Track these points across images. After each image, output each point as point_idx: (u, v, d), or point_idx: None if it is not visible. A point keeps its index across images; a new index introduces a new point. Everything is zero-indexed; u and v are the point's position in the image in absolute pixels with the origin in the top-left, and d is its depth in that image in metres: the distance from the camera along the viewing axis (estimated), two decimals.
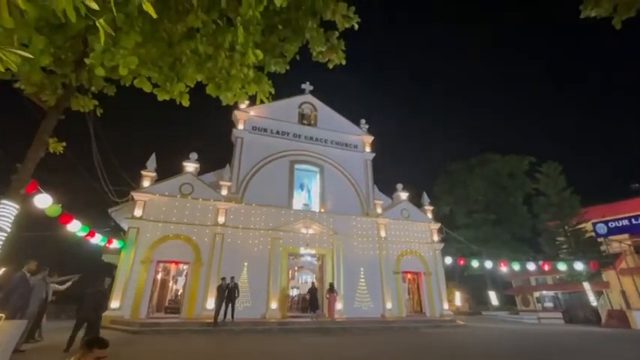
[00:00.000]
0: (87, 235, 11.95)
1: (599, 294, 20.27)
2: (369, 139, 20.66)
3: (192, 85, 4.12)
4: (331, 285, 15.07)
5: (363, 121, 21.23)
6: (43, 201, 8.07)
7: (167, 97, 4.08)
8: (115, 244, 14.11)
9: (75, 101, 5.62)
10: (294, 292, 20.75)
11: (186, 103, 4.10)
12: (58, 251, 24.72)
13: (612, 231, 19.41)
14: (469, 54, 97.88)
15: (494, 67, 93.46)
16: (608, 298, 19.98)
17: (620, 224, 19.25)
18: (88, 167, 11.66)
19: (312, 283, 16.86)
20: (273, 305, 14.57)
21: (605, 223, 19.57)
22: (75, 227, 10.69)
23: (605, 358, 4.32)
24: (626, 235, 20.97)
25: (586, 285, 20.23)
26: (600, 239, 20.22)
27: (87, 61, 3.44)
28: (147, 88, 3.95)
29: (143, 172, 14.91)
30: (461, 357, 8.17)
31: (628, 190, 26.52)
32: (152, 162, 15.27)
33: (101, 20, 2.14)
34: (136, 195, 14.20)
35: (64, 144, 5.76)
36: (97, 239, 12.91)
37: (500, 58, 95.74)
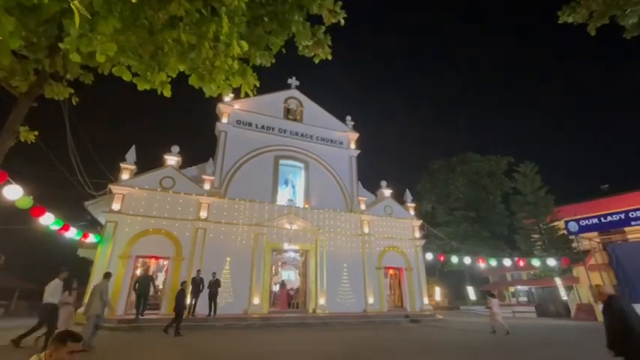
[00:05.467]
0: (61, 229, 11.48)
1: (569, 289, 21.25)
2: (355, 135, 20.76)
3: (174, 76, 4.00)
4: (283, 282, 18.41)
5: (348, 117, 21.29)
6: (13, 192, 7.70)
7: (148, 87, 3.94)
8: (92, 238, 13.62)
9: (49, 88, 5.35)
10: (277, 288, 20.70)
11: (167, 93, 3.97)
12: (30, 245, 23.71)
13: (583, 229, 20.32)
14: (455, 53, 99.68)
15: (479, 68, 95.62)
16: (577, 293, 20.98)
17: (591, 222, 20.17)
18: (64, 159, 11.19)
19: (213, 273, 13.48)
20: (256, 301, 14.51)
21: (577, 221, 20.47)
22: (48, 220, 10.24)
23: (574, 348, 4.67)
24: (595, 233, 22.04)
25: (558, 280, 21.15)
26: (572, 237, 21.16)
27: (61, 46, 3.27)
28: (126, 76, 3.80)
29: (122, 165, 14.44)
30: (439, 349, 8.41)
31: (599, 190, 27.92)
32: (131, 154, 14.80)
33: (76, 2, 2.04)
34: (114, 188, 13.75)
35: (36, 133, 5.49)
36: (72, 233, 12.42)
37: (484, 59, 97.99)
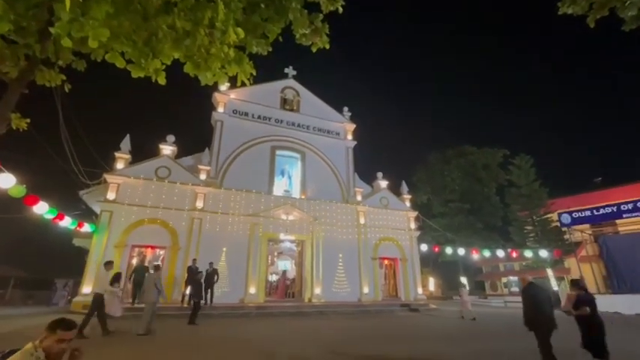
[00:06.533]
0: (55, 218, 11.42)
1: (560, 279, 21.67)
2: (351, 126, 20.69)
3: (169, 63, 3.92)
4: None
5: (345, 108, 21.17)
6: (6, 181, 7.63)
7: (142, 75, 3.86)
8: (87, 227, 13.58)
9: (40, 75, 5.23)
10: (273, 278, 20.88)
11: (162, 81, 3.91)
12: (25, 234, 23.59)
13: (575, 221, 20.61)
14: (454, 43, 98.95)
15: (476, 62, 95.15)
16: (568, 284, 21.41)
17: (583, 215, 20.44)
18: (57, 147, 11.04)
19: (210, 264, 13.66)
20: (252, 290, 14.63)
21: (570, 213, 20.73)
22: (42, 209, 10.17)
23: (562, 335, 4.99)
24: (587, 225, 22.37)
25: (549, 271, 21.55)
26: (564, 229, 21.48)
27: (52, 30, 3.18)
28: (120, 63, 3.72)
29: (117, 154, 14.30)
30: (432, 337, 8.57)
31: (592, 183, 28.24)
32: (126, 143, 14.65)
33: None
34: (108, 177, 13.64)
35: (28, 120, 5.39)
36: (67, 222, 12.37)
37: (481, 52, 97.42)
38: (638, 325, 11.09)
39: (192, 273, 12.26)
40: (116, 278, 8.48)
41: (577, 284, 5.70)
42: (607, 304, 15.25)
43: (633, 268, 17.91)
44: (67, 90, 5.64)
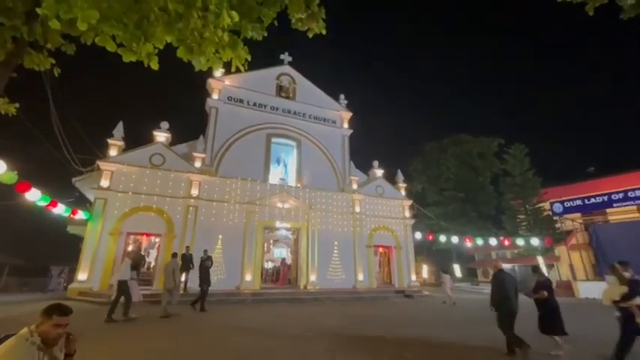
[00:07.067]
0: (48, 205, 11.33)
1: (550, 267, 22.15)
2: (348, 115, 20.55)
3: (162, 47, 3.81)
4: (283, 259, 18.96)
5: (342, 96, 20.98)
6: None
7: (133, 59, 3.76)
8: (81, 215, 13.50)
9: (28, 58, 5.07)
10: (269, 265, 21.08)
11: (154, 66, 3.81)
12: (19, 222, 23.40)
13: (567, 210, 20.93)
14: (447, 34, 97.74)
15: (474, 53, 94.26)
16: (558, 271, 21.91)
17: (575, 204, 20.76)
18: (49, 133, 10.86)
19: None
20: (248, 277, 14.77)
21: (562, 202, 21.03)
22: (34, 196, 10.07)
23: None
24: (578, 214, 22.76)
25: (540, 259, 21.98)
26: (556, 218, 21.82)
27: (39, 11, 3.07)
28: (110, 47, 3.61)
29: (109, 141, 14.11)
30: (425, 321, 8.78)
31: (584, 173, 28.58)
32: (119, 130, 14.44)
33: None
34: (102, 164, 13.50)
35: (17, 105, 5.27)
36: (60, 210, 12.28)
37: (476, 43, 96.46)
38: None
39: (187, 261, 12.30)
40: (135, 266, 8.91)
41: (537, 270, 6.24)
42: (595, 290, 15.65)
43: (621, 255, 18.31)
44: (56, 74, 5.50)
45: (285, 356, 5.48)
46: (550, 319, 5.58)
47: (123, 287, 8.18)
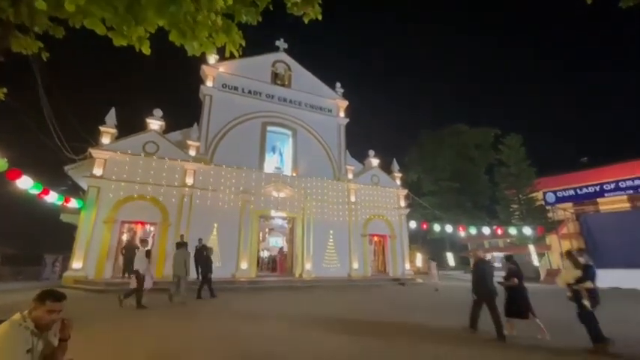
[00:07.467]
0: (40, 194, 11.20)
1: (541, 255, 22.58)
2: (344, 103, 20.40)
3: (153, 31, 3.70)
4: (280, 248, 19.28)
5: (338, 84, 20.78)
6: None
7: (124, 43, 3.64)
8: (74, 203, 13.38)
9: (16, 42, 4.89)
10: (264, 254, 21.21)
11: (146, 50, 3.70)
12: (11, 211, 23.14)
13: (560, 200, 21.24)
14: (445, 24, 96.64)
15: (469, 43, 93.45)
16: (548, 259, 22.34)
17: (567, 194, 21.06)
18: (40, 120, 10.64)
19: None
20: (244, 265, 14.86)
21: (554, 192, 21.31)
22: (26, 184, 9.94)
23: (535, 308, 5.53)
24: (570, 204, 23.11)
25: (531, 247, 22.39)
26: (548, 207, 22.13)
27: None
28: (100, 30, 3.48)
29: (102, 128, 13.88)
30: (418, 307, 8.95)
31: (578, 163, 28.89)
32: (111, 117, 14.19)
33: None
34: (94, 152, 13.32)
35: (5, 90, 5.12)
36: (53, 198, 12.15)
37: (475, 34, 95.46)
38: (611, 296, 11.71)
39: (200, 254, 12.24)
40: (146, 255, 9.00)
41: (510, 259, 6.51)
42: None
43: (611, 244, 18.72)
44: (44, 58, 5.34)
45: (285, 340, 5.57)
46: (516, 304, 5.94)
47: (140, 276, 8.51)
